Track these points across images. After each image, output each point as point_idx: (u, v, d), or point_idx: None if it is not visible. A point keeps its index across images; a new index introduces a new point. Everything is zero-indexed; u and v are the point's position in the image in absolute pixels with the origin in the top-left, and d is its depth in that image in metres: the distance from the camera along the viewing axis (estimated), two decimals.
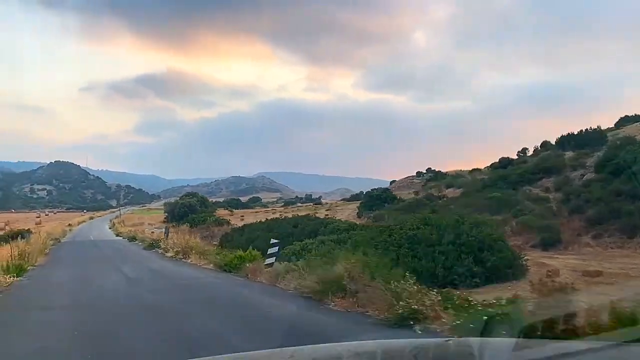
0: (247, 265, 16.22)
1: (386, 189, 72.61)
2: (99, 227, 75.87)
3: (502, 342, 2.74)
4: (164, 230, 36.42)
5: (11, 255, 18.56)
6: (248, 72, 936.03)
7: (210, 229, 54.24)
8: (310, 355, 2.20)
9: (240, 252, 17.33)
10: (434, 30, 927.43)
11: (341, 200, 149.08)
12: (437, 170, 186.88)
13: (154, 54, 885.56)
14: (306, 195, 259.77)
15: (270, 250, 15.75)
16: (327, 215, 53.14)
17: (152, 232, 49.49)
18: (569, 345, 2.34)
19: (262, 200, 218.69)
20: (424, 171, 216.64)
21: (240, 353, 2.63)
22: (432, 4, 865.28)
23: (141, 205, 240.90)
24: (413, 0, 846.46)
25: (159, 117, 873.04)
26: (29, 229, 49.96)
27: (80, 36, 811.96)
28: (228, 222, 63.48)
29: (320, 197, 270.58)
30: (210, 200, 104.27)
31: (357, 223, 36.29)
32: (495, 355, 1.96)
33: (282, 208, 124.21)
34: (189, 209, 69.45)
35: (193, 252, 23.11)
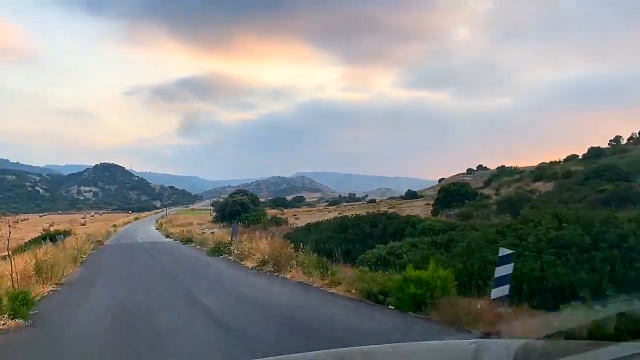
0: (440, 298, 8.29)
1: (463, 185, 63.60)
2: (146, 227, 69.93)
3: (510, 343, 2.82)
4: (231, 230, 28.79)
5: (14, 274, 11.04)
6: (286, 73, 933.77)
7: (268, 229, 46.94)
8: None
9: (413, 272, 9.21)
10: (475, 25, 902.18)
11: (388, 198, 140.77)
12: (486, 167, 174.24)
13: (194, 57, 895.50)
14: (349, 194, 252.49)
15: (499, 271, 7.76)
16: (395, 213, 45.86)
17: (203, 232, 42.69)
18: (579, 347, 2.32)
19: (306, 200, 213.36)
20: (475, 168, 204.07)
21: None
22: None
23: (184, 205, 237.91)
24: None
25: (201, 120, 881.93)
26: (67, 230, 44.01)
27: (123, 41, 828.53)
28: (286, 221, 56.16)
29: (366, 196, 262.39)
30: None
31: (454, 222, 28.88)
32: (505, 357, 2.04)
33: (329, 207, 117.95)
34: (241, 207, 62.38)
35: (288, 262, 15.16)
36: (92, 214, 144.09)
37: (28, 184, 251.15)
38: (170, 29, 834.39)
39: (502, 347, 2.39)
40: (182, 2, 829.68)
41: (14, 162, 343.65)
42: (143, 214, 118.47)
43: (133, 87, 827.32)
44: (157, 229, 62.69)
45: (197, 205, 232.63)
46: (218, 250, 22.31)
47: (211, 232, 36.69)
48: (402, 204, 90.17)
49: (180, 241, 36.91)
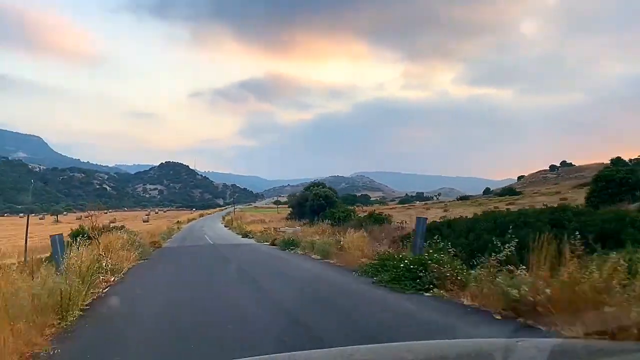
0: None
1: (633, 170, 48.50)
2: (213, 224, 60.73)
3: (542, 343, 2.78)
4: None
5: None
6: (345, 71, 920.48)
7: (368, 228, 35.79)
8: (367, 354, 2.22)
9: None
10: (544, 17, 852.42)
11: (458, 199, 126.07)
12: (571, 163, 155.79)
13: (255, 58, 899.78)
14: (417, 193, 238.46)
15: None
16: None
17: (283, 230, 32.52)
18: (610, 346, 2.35)
19: (371, 199, 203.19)
20: (558, 165, 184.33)
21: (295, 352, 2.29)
22: None
23: (247, 203, 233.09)
24: None
25: (260, 120, 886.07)
26: (122, 226, 34.95)
27: (188, 44, 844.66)
28: (388, 219, 44.83)
29: (439, 194, 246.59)
30: None
31: None
32: (534, 356, 1.95)
33: (406, 205, 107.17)
34: (325, 201, 51.46)
35: None
36: (157, 211, 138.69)
37: (96, 182, 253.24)
38: (233, 30, 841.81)
39: (535, 346, 2.27)
40: (244, 4, 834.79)
41: (85, 161, 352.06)
42: (208, 211, 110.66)
43: (197, 89, 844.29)
44: (226, 227, 53.09)
45: (259, 203, 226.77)
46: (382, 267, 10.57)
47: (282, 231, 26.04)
48: (505, 200, 77.13)
49: (269, 244, 26.27)
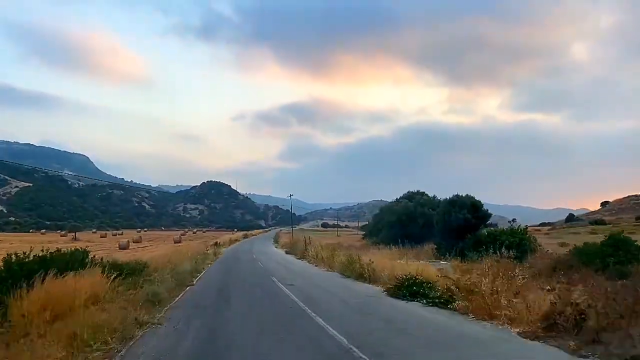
0: None
1: None
2: (267, 249, 44.45)
3: None
4: None
5: None
6: (387, 95, 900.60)
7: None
8: None
9: None
10: (596, 41, 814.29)
11: (556, 225, 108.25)
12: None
13: (297, 82, 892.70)
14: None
15: None
16: None
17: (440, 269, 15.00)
18: None
19: None
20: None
21: None
22: (594, 12, 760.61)
23: (290, 226, 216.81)
24: (572, 10, 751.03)
25: (301, 143, 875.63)
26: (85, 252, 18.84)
27: (230, 67, 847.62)
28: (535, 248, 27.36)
29: (495, 225, 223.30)
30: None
31: None
32: None
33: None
34: (474, 215, 32.57)
35: None
36: (195, 231, 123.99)
37: (134, 199, 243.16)
38: (276, 53, 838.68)
39: None
40: (287, 27, 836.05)
41: (128, 180, 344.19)
42: (252, 232, 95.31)
43: (240, 111, 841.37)
44: (289, 253, 36.63)
45: (303, 226, 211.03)
46: None
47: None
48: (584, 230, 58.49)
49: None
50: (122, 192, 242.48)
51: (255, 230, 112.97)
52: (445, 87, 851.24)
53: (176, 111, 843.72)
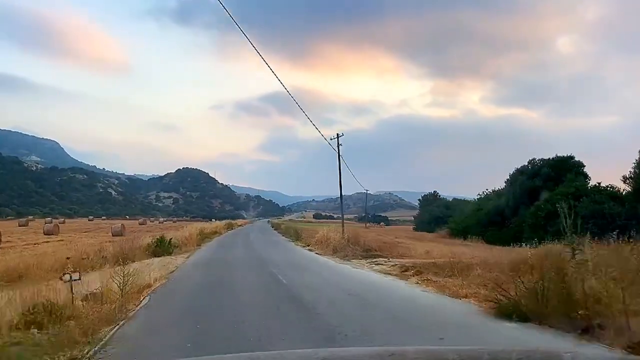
0: None
1: None
2: (305, 256, 19.94)
3: (601, 356, 2.67)
4: None
5: None
6: (370, 87, 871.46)
7: None
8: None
9: None
10: (582, 34, 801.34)
11: None
12: None
13: (278, 71, 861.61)
14: None
15: None
16: None
17: None
18: None
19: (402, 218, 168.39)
20: None
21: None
22: (580, 4, 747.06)
23: (276, 217, 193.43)
24: (557, 2, 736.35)
25: (282, 135, 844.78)
26: None
27: (209, 53, 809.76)
28: None
29: None
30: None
31: None
32: None
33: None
34: None
35: None
36: (161, 220, 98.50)
37: (99, 184, 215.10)
38: (256, 40, 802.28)
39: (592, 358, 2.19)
40: (269, 13, 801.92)
41: (100, 168, 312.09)
42: (238, 222, 70.44)
43: (219, 100, 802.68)
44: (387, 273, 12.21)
45: (290, 217, 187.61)
46: None
47: None
48: None
49: None
50: (85, 176, 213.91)
51: (240, 220, 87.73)
52: (429, 79, 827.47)
53: (153, 98, 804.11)
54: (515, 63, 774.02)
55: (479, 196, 62.59)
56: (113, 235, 37.88)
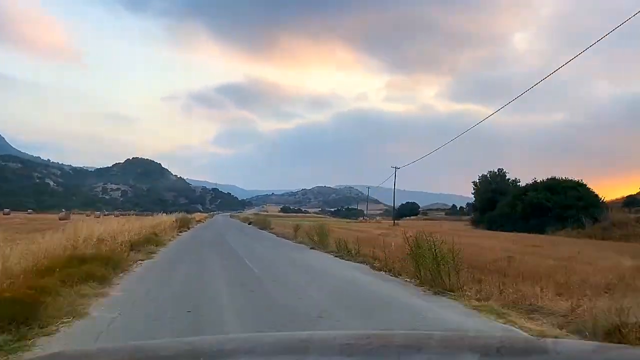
0: None
1: None
2: None
3: (580, 345, 2.66)
4: None
5: None
6: (329, 80, 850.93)
7: None
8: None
9: None
10: (538, 31, 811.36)
11: None
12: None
13: (235, 61, 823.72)
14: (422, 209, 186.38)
15: None
16: None
17: None
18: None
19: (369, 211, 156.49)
20: None
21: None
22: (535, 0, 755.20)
23: (236, 211, 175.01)
24: None
25: (238, 128, 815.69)
26: None
27: (162, 42, 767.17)
28: None
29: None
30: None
31: None
32: (573, 358, 1.81)
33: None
34: None
35: None
36: (99, 214, 79.48)
37: (36, 175, 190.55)
38: (211, 29, 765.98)
39: (573, 347, 2.19)
40: (227, 2, 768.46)
41: (45, 159, 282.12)
42: (195, 216, 52.63)
43: (173, 91, 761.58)
44: None
45: (252, 211, 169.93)
46: None
47: None
48: None
49: None
50: (19, 165, 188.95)
51: (197, 214, 69.82)
52: (387, 73, 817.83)
53: (104, 87, 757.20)
54: (471, 59, 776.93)
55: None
56: None
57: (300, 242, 20.59)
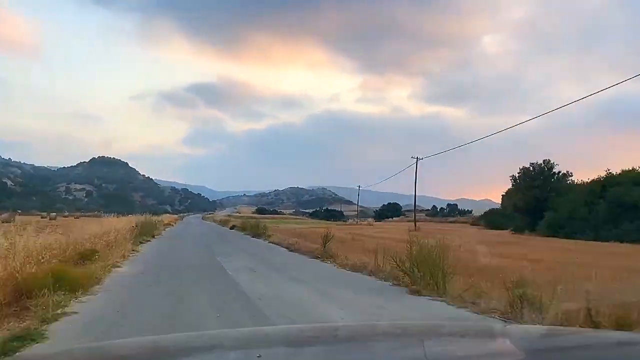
0: None
1: None
2: None
3: (531, 329, 2.69)
4: None
5: None
6: (301, 80, 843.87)
7: None
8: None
9: None
10: (507, 33, 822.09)
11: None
12: None
13: (205, 60, 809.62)
14: (431, 208, 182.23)
15: None
16: None
17: None
18: (600, 336, 2.22)
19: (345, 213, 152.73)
20: None
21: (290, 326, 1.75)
22: (507, 3, 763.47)
23: (208, 212, 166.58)
24: (484, 0, 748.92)
25: (209, 128, 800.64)
26: None
27: (133, 38, 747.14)
28: None
29: (469, 211, 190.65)
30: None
31: None
32: (525, 341, 1.77)
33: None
34: None
35: None
36: (50, 216, 71.73)
37: None
38: (182, 27, 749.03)
39: (524, 331, 2.17)
40: None
41: (6, 158, 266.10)
42: (164, 218, 45.56)
43: (141, 89, 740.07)
44: None
45: (223, 212, 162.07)
46: None
47: None
48: None
49: None
50: None
51: (166, 216, 62.66)
52: (359, 74, 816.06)
53: (70, 85, 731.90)
54: (443, 61, 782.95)
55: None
56: None
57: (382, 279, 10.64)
